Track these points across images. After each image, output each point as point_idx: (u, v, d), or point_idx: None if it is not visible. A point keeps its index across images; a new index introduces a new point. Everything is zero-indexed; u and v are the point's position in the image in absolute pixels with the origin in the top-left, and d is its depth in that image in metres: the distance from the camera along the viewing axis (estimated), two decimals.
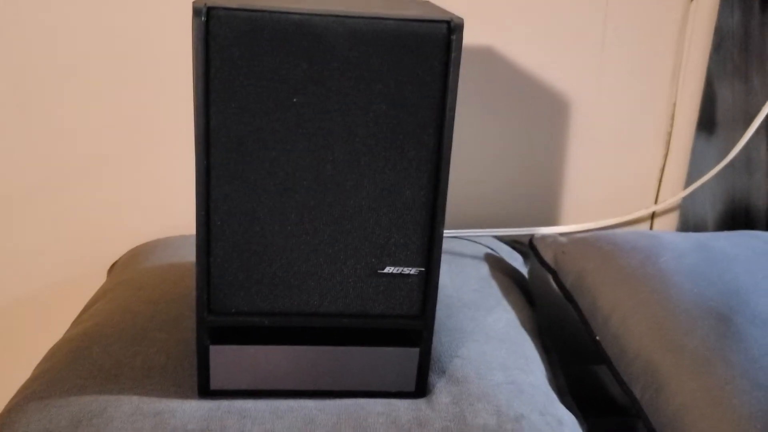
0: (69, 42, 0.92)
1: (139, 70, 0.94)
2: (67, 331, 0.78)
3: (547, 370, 0.73)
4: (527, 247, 0.99)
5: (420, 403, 0.64)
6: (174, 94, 0.95)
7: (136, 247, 0.98)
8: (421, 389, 0.64)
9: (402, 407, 0.63)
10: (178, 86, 0.94)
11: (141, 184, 0.99)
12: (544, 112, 0.99)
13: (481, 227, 1.01)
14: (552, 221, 1.04)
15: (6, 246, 1.01)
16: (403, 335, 0.64)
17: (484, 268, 0.89)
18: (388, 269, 0.60)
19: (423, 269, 0.61)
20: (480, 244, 0.96)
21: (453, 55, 0.55)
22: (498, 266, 0.91)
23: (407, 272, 0.61)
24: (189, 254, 0.90)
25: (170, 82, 0.94)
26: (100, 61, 0.93)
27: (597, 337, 0.78)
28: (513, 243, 1.01)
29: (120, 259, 0.98)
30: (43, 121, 0.95)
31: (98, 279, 1.03)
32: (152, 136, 0.97)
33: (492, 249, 0.95)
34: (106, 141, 0.96)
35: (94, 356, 0.68)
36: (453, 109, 0.56)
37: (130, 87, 0.94)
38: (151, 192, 0.99)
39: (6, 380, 1.08)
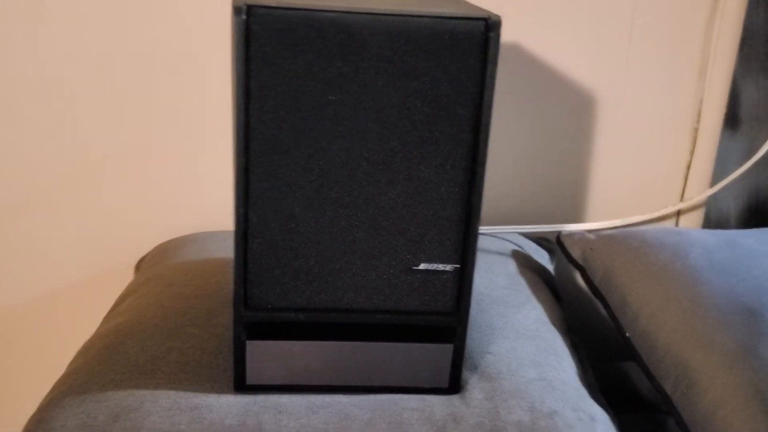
0: (101, 35, 0.92)
1: (167, 65, 0.94)
2: (99, 326, 0.79)
3: (577, 366, 0.74)
4: (553, 244, 1.00)
5: (454, 399, 0.64)
6: (203, 89, 0.95)
7: (164, 243, 0.98)
8: (454, 385, 0.65)
9: (436, 403, 0.64)
10: (207, 82, 0.95)
11: (167, 180, 1.00)
12: (570, 109, 0.99)
13: (507, 224, 1.02)
14: (577, 218, 1.04)
15: (31, 242, 1.01)
16: (436, 331, 0.64)
17: (512, 265, 0.89)
18: (423, 266, 0.61)
19: (458, 266, 0.61)
20: (507, 240, 0.96)
21: (490, 52, 0.55)
22: (525, 263, 0.91)
23: (442, 269, 0.61)
24: (217, 250, 0.91)
25: (198, 77, 0.95)
26: (131, 56, 0.93)
27: (627, 334, 0.78)
28: (539, 240, 1.01)
29: (147, 255, 0.98)
30: (70, 116, 0.96)
31: (124, 275, 1.03)
32: (178, 132, 0.97)
33: (518, 245, 0.96)
34: (131, 136, 0.97)
35: (129, 352, 0.69)
36: (490, 107, 0.56)
37: (160, 83, 0.95)
38: (177, 188, 1.00)
39: (33, 375, 1.09)
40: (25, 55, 0.93)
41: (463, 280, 0.61)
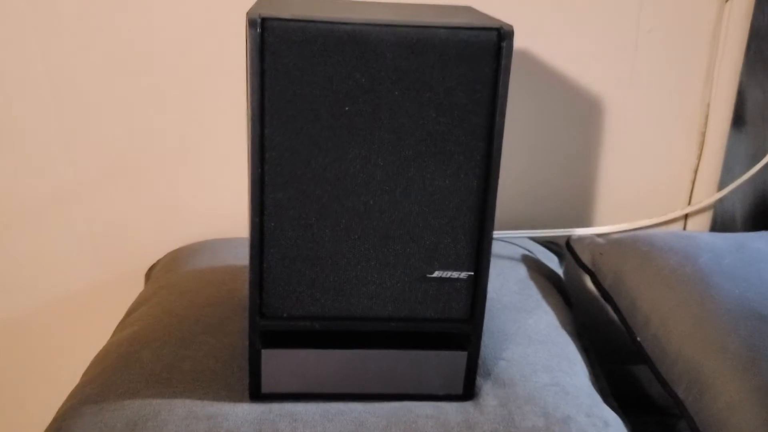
0: (113, 42, 0.93)
1: (178, 72, 0.95)
2: (113, 335, 0.79)
3: (588, 371, 0.74)
4: (562, 248, 1.00)
5: (468, 405, 0.65)
6: (215, 96, 0.96)
7: (174, 251, 0.99)
8: (468, 392, 0.65)
9: (450, 410, 0.64)
10: (219, 88, 0.95)
11: (177, 187, 1.00)
12: (578, 113, 0.99)
13: (517, 228, 1.02)
14: (586, 222, 1.04)
15: (41, 249, 1.02)
16: (450, 338, 0.65)
17: (522, 270, 0.89)
18: (437, 273, 0.61)
19: (472, 273, 0.61)
20: (516, 245, 0.97)
21: (503, 62, 0.55)
22: (535, 268, 0.91)
23: (456, 276, 0.61)
24: (228, 258, 0.91)
25: (210, 83, 0.95)
26: (142, 64, 0.94)
27: (638, 338, 0.79)
28: (548, 244, 1.01)
29: (158, 262, 0.99)
30: (83, 123, 0.96)
31: (135, 282, 1.04)
32: (189, 139, 0.98)
33: (528, 250, 0.96)
34: (142, 143, 0.98)
35: (144, 360, 0.69)
36: (503, 115, 0.57)
37: (171, 90, 0.95)
38: (187, 196, 1.01)
39: (44, 382, 1.09)
40: (37, 63, 0.93)
41: (476, 287, 0.62)
